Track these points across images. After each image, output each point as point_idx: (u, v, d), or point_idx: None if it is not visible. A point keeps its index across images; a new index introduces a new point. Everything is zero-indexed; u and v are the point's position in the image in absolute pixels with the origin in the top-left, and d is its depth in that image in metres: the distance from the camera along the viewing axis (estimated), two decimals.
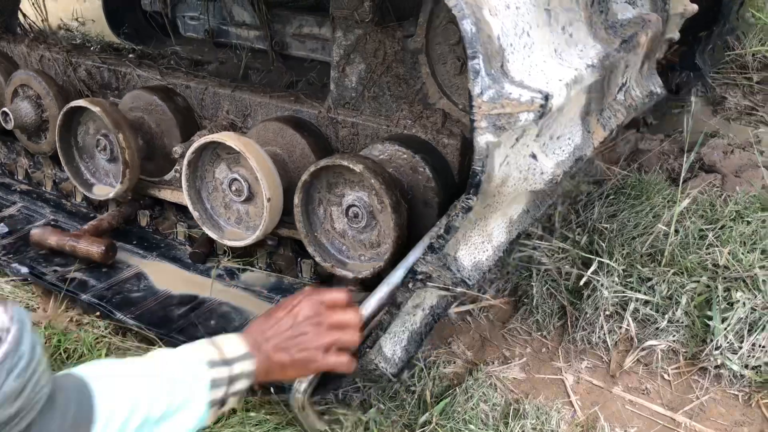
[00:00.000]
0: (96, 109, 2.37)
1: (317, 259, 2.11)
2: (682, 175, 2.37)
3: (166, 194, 2.50)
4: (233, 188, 2.21)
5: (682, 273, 2.12)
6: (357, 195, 2.02)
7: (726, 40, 3.34)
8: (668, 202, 2.42)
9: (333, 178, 2.05)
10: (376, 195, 1.97)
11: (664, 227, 2.19)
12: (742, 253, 2.12)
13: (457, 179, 2.13)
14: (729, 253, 2.10)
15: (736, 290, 2.01)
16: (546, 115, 1.50)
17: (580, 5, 1.93)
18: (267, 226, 2.14)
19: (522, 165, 1.64)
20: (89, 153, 2.55)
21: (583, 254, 2.24)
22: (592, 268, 2.14)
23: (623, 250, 2.20)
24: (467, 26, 1.43)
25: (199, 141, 2.19)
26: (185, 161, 2.22)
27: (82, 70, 2.75)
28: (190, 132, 2.50)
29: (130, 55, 2.76)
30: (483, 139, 1.45)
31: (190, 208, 2.28)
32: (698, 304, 2.06)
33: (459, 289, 1.66)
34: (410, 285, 1.69)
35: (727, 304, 2.01)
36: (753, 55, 3.49)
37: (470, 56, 1.44)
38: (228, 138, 2.13)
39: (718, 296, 2.02)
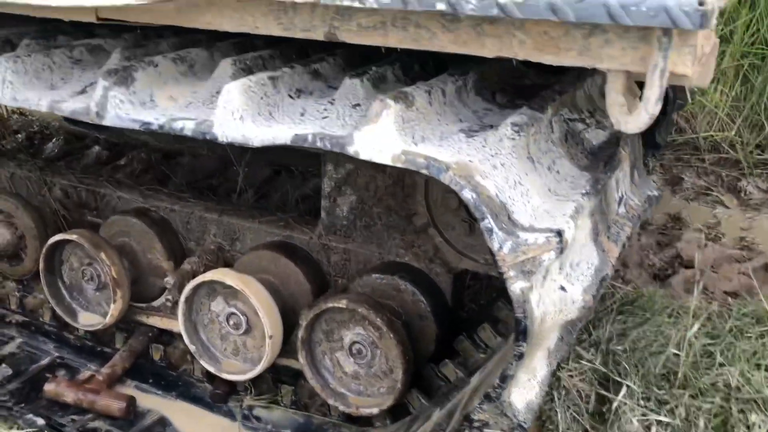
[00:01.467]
0: (74, 237, 2.37)
1: (341, 408, 2.16)
2: None
3: (156, 321, 2.51)
4: (231, 322, 2.24)
5: (696, 396, 2.25)
6: (354, 332, 2.09)
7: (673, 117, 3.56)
8: (672, 318, 2.54)
9: (326, 325, 2.12)
10: (370, 323, 2.04)
11: (675, 350, 2.32)
12: (749, 372, 2.26)
13: (451, 304, 2.22)
14: (740, 375, 2.24)
15: (751, 412, 2.16)
16: (565, 249, 1.61)
17: (556, 144, 2.05)
18: (269, 360, 2.19)
19: (555, 299, 1.73)
20: (78, 288, 2.53)
21: (601, 378, 2.33)
22: (621, 393, 2.21)
23: (638, 371, 2.30)
24: (468, 194, 1.53)
25: (195, 280, 2.21)
26: (182, 300, 2.24)
27: (58, 189, 2.72)
28: (174, 247, 2.52)
29: (105, 175, 2.75)
30: (517, 286, 1.54)
31: (187, 341, 2.30)
32: (715, 426, 2.19)
33: None
34: None
35: (745, 427, 2.15)
36: (704, 138, 3.73)
37: (480, 218, 1.55)
38: (227, 277, 2.17)
39: (733, 417, 2.15)
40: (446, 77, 1.96)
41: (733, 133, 3.73)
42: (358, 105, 1.90)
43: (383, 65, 2.05)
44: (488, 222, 1.54)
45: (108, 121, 1.85)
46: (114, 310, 2.39)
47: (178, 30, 1.90)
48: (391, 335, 2.01)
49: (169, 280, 2.38)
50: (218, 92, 1.80)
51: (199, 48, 2.17)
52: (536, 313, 1.60)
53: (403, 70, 2.13)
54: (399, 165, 1.60)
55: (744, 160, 3.65)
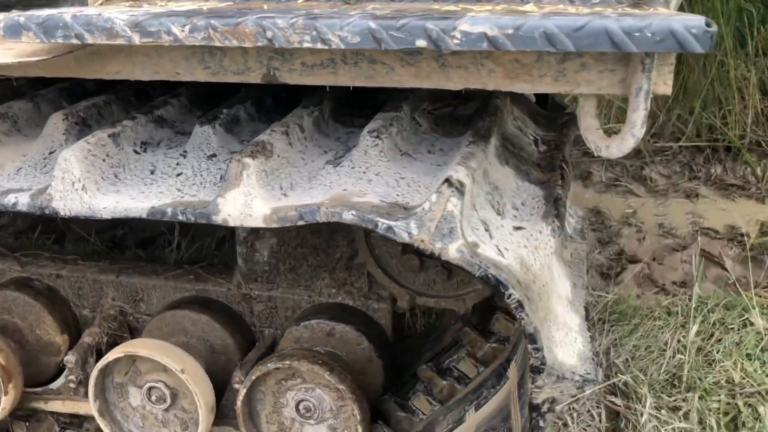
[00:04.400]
0: None
1: None
2: None
3: (57, 406, 2.18)
4: (152, 397, 1.99)
5: (704, 397, 2.25)
6: (299, 390, 1.91)
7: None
8: (661, 321, 2.53)
9: (268, 387, 1.92)
10: (319, 380, 1.88)
11: (674, 353, 2.31)
12: (745, 364, 2.30)
13: (391, 340, 2.09)
14: (741, 370, 2.27)
15: (758, 405, 2.18)
16: (463, 190, 1.50)
17: (428, 132, 2.00)
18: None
19: (519, 240, 1.63)
20: None
21: (607, 392, 2.27)
22: (648, 415, 2.15)
23: (644, 378, 2.26)
24: (347, 216, 1.47)
25: (103, 361, 1.93)
26: (90, 387, 1.95)
27: None
28: (67, 317, 2.22)
29: None
30: (453, 249, 1.45)
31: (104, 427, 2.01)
32: (726, 423, 2.20)
33: (588, 389, 1.57)
34: (542, 423, 1.58)
35: (754, 419, 2.17)
36: (604, 130, 3.83)
37: (373, 227, 1.48)
38: (142, 348, 1.92)
39: (742, 413, 2.17)
40: (301, 111, 1.86)
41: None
42: (214, 156, 1.77)
43: (234, 104, 1.91)
44: (382, 224, 1.46)
45: None
46: (6, 402, 2.05)
47: None
48: (344, 389, 1.85)
49: (70, 359, 2.07)
50: (51, 152, 1.62)
51: (22, 100, 1.90)
52: (505, 261, 1.50)
53: (255, 106, 2.01)
54: (274, 225, 1.52)
55: (643, 149, 3.77)
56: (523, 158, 1.96)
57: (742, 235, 3.24)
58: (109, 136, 1.70)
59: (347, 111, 2.04)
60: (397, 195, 1.58)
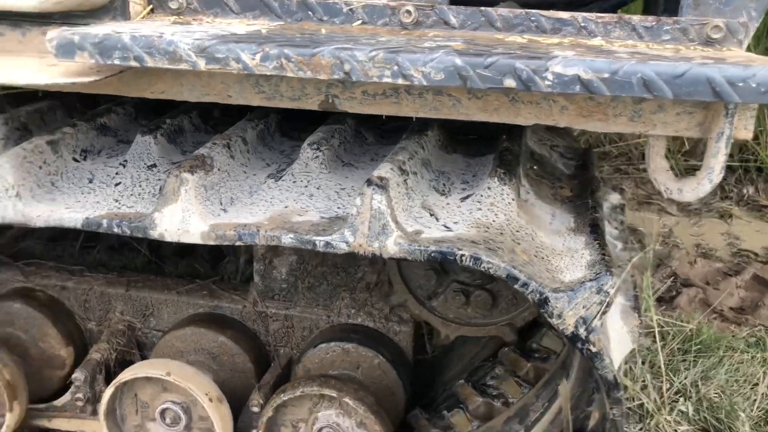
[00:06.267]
0: None
1: None
2: None
3: (62, 424, 2.10)
4: (167, 419, 1.93)
5: None
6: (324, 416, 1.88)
7: None
8: (749, 355, 2.49)
9: (289, 414, 1.88)
10: (339, 404, 1.85)
11: None
12: None
13: (412, 362, 2.07)
14: None
15: None
16: (386, 188, 1.49)
17: (373, 144, 1.97)
18: None
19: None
20: None
21: (699, 429, 2.23)
22: None
23: (737, 416, 2.21)
24: (286, 239, 1.46)
25: (116, 382, 1.87)
26: (102, 412, 1.89)
27: None
28: (71, 330, 2.14)
29: None
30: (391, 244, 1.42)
31: None
32: None
33: (610, 287, 1.42)
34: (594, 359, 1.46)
35: None
36: (635, 147, 3.82)
37: (315, 245, 1.47)
38: (154, 370, 1.86)
39: None
40: (245, 123, 1.84)
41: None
42: (154, 166, 1.74)
43: (179, 115, 1.87)
44: (320, 241, 1.45)
45: None
46: (11, 420, 1.97)
47: None
48: (368, 413, 1.82)
49: (78, 376, 2.00)
50: None
51: None
52: (451, 233, 1.46)
53: (202, 117, 1.97)
54: (211, 242, 1.50)
55: (675, 167, 3.79)
56: (470, 142, 1.94)
57: None
58: (47, 143, 1.66)
59: (296, 125, 2.01)
60: (338, 208, 1.57)
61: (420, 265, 1.93)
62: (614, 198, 1.65)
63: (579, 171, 1.96)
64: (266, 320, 2.08)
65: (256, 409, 1.92)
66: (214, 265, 2.46)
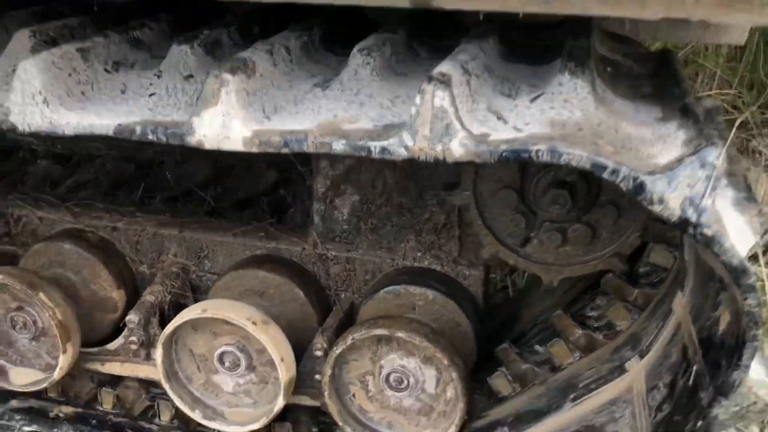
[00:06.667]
0: None
1: None
2: None
3: (114, 368, 2.02)
4: (225, 363, 1.84)
5: None
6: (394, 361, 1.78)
7: None
8: None
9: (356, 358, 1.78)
10: (397, 344, 1.76)
11: None
12: None
13: (482, 307, 1.95)
14: None
15: None
16: (447, 84, 1.31)
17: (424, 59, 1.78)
18: (282, 403, 1.81)
19: None
20: (5, 340, 1.99)
21: None
22: None
23: None
24: (337, 146, 1.35)
25: (176, 321, 1.78)
26: (159, 350, 1.80)
27: None
28: (123, 273, 2.06)
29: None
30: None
31: (179, 403, 1.87)
32: None
33: (711, 157, 1.28)
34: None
35: None
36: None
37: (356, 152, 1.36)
38: (230, 313, 1.76)
39: None
40: (288, 34, 1.69)
41: (732, 92, 3.61)
42: (191, 77, 1.60)
43: (217, 28, 1.74)
44: (375, 147, 1.33)
45: None
46: (64, 361, 1.90)
47: None
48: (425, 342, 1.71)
49: (132, 318, 1.91)
50: (14, 70, 1.47)
51: None
52: (523, 133, 1.31)
53: (240, 33, 1.82)
54: (254, 150, 1.37)
55: (750, 120, 3.55)
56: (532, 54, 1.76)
57: None
58: (77, 50, 1.55)
59: (339, 40, 1.84)
60: (393, 116, 1.43)
61: (505, 209, 1.78)
62: (708, 102, 1.47)
63: (660, 70, 1.78)
64: (327, 263, 1.97)
65: (319, 353, 1.82)
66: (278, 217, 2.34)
